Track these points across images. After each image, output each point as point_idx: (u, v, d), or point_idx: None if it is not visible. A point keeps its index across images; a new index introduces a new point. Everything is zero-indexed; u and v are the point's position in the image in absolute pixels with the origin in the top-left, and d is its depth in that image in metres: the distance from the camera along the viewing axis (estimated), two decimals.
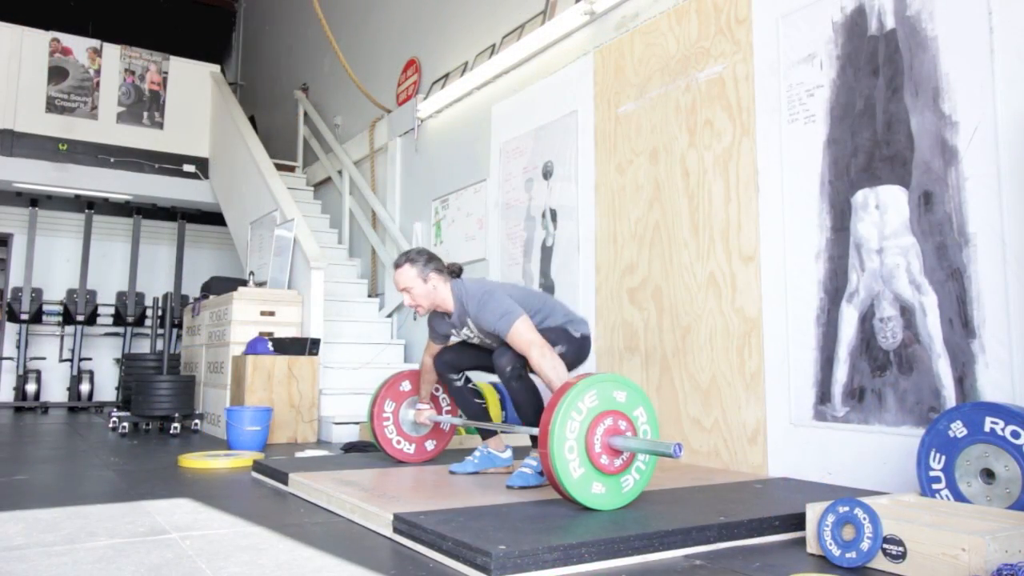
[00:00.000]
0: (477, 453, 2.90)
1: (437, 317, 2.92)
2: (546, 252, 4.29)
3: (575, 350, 2.76)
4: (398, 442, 3.17)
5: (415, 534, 1.92)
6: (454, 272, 2.81)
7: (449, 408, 3.25)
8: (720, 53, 3.29)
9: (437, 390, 3.21)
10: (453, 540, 1.77)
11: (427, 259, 2.75)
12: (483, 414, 2.96)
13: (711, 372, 3.19)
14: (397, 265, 2.77)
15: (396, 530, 2.01)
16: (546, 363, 2.46)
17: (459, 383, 2.94)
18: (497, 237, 4.77)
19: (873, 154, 2.68)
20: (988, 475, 2.08)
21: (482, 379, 3.68)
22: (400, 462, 3.17)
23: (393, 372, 3.37)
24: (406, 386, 3.20)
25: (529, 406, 2.66)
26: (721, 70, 3.28)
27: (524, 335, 2.53)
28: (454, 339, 2.94)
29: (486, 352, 2.87)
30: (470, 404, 2.95)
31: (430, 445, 3.25)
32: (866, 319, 2.66)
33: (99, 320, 7.88)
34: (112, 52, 7.65)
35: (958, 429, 2.13)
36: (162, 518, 2.26)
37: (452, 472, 2.86)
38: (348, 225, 6.94)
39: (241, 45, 11.40)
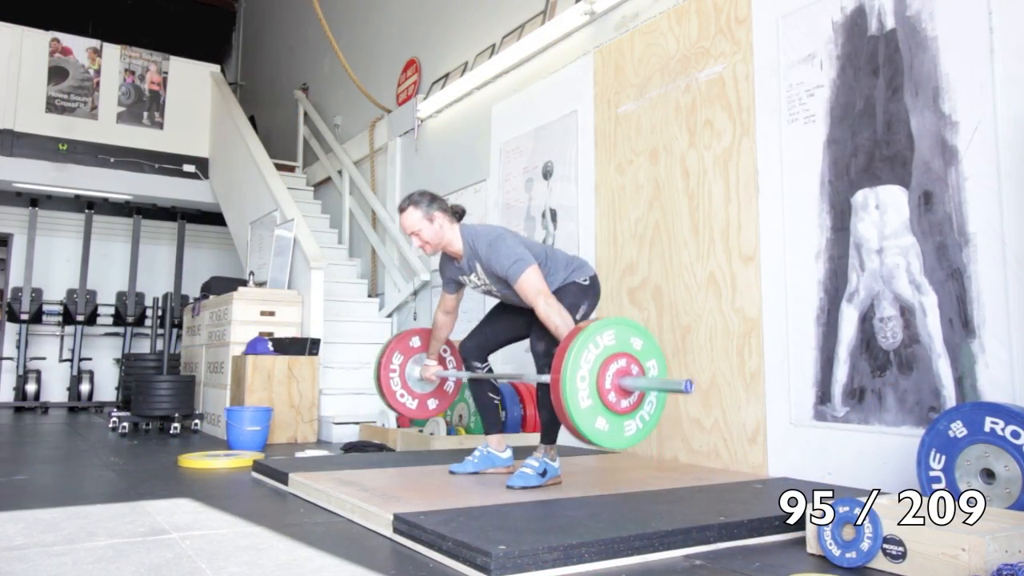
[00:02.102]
0: (477, 453, 2.90)
1: (447, 262, 2.91)
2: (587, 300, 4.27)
3: (591, 298, 2.77)
4: (401, 395, 3.15)
5: (415, 534, 1.92)
6: (458, 213, 2.82)
7: (451, 391, 3.25)
8: (720, 53, 3.29)
9: (445, 351, 3.21)
10: (453, 540, 1.77)
11: (430, 200, 2.75)
12: (494, 409, 2.95)
13: (711, 372, 3.19)
14: (401, 209, 2.78)
15: (396, 530, 2.01)
16: (553, 313, 2.50)
17: (481, 371, 2.93)
18: None
19: (873, 154, 2.68)
20: (988, 475, 2.08)
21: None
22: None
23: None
24: (415, 342, 3.19)
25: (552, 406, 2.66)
26: (721, 70, 3.28)
27: (534, 284, 2.56)
28: (465, 284, 2.89)
29: (511, 324, 2.87)
30: (484, 395, 2.93)
31: (432, 404, 3.22)
32: (866, 319, 2.66)
33: (99, 320, 7.88)
34: (112, 52, 7.65)
35: (958, 429, 2.13)
36: (162, 518, 2.26)
37: (452, 472, 2.86)
38: (348, 225, 6.95)
39: (241, 45, 11.40)
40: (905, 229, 2.56)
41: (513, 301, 2.77)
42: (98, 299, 7.90)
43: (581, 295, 2.74)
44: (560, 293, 2.68)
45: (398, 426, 4.44)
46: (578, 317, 2.68)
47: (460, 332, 3.31)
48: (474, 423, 4.09)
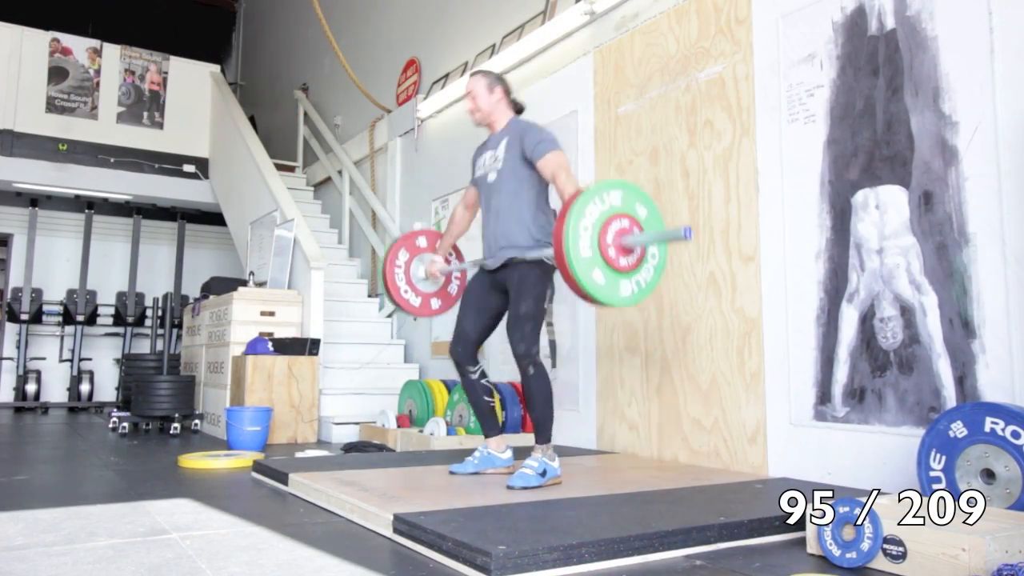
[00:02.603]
0: (477, 453, 2.90)
1: (479, 148, 3.02)
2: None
3: (552, 276, 2.82)
4: (405, 291, 3.16)
5: (415, 534, 1.92)
6: (517, 106, 2.97)
7: (459, 276, 3.27)
8: (720, 53, 3.29)
9: (451, 254, 3.24)
10: (453, 540, 1.77)
11: (498, 77, 2.95)
12: (490, 412, 2.95)
13: (711, 372, 3.19)
14: (472, 73, 2.96)
15: (396, 530, 2.01)
16: (570, 186, 2.62)
17: (474, 376, 2.94)
18: None
19: (873, 154, 2.68)
20: (988, 475, 2.08)
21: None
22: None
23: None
24: (422, 242, 3.21)
25: (540, 397, 2.69)
26: (721, 70, 3.28)
27: (559, 160, 2.71)
28: (478, 172, 2.97)
29: (484, 306, 2.91)
30: (480, 400, 2.94)
31: (435, 303, 3.24)
32: (866, 319, 2.66)
33: (99, 320, 7.88)
34: (112, 52, 7.65)
35: (958, 429, 2.13)
36: (162, 518, 2.26)
37: (452, 472, 2.86)
38: (348, 225, 6.95)
39: (241, 45, 11.41)
40: (905, 229, 2.56)
41: (499, 194, 2.81)
42: (98, 299, 7.90)
43: (550, 277, 2.78)
44: (529, 273, 2.72)
45: (398, 426, 4.44)
46: (545, 305, 2.75)
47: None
48: (474, 423, 4.09)
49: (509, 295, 2.78)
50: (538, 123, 2.90)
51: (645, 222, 2.43)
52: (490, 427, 2.93)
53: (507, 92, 2.94)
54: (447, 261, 3.21)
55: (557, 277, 2.69)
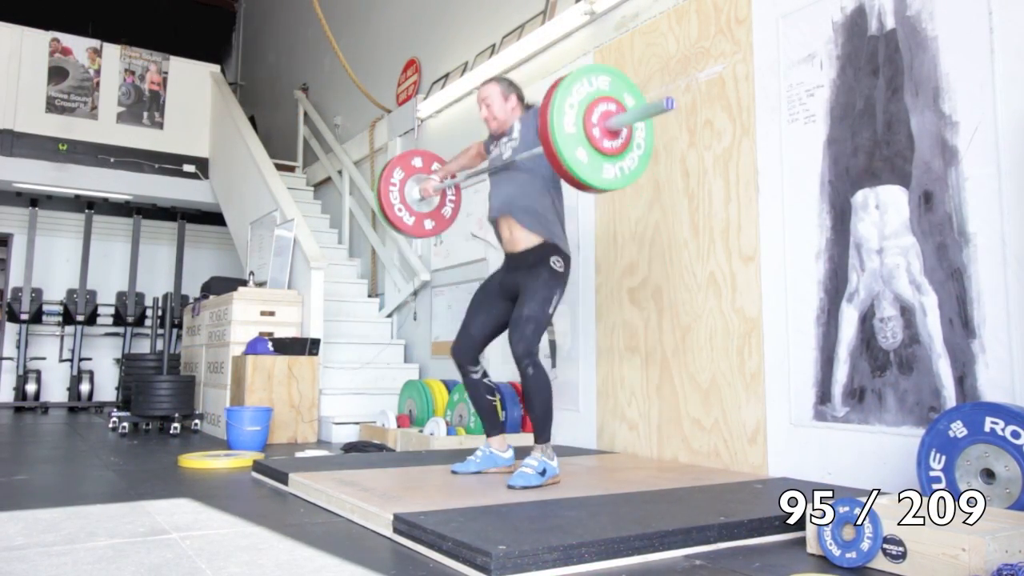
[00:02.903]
0: (479, 453, 2.90)
1: (490, 137, 3.04)
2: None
3: (563, 286, 2.83)
4: (399, 209, 3.15)
5: (415, 534, 1.92)
6: (530, 105, 2.98)
7: (454, 199, 3.27)
8: (720, 53, 3.29)
9: (452, 194, 3.26)
10: (453, 540, 1.77)
11: (511, 83, 2.95)
12: (492, 412, 2.95)
13: (711, 372, 3.19)
14: (486, 81, 2.97)
15: (396, 530, 2.01)
16: None
17: (476, 375, 2.94)
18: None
19: (873, 154, 2.68)
20: (988, 475, 2.08)
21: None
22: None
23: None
24: (417, 162, 3.20)
25: (539, 397, 2.68)
26: (721, 70, 3.28)
27: None
28: (492, 152, 2.98)
29: (492, 312, 2.91)
30: (482, 399, 2.94)
31: (428, 224, 3.23)
32: (866, 319, 2.66)
33: (99, 320, 7.88)
34: (112, 52, 7.65)
35: (958, 429, 2.13)
36: (162, 518, 2.26)
37: (454, 472, 2.86)
38: (348, 225, 6.95)
39: (241, 45, 11.41)
40: (905, 229, 2.56)
41: (509, 177, 2.82)
42: (98, 299, 7.90)
43: (558, 283, 2.77)
44: (538, 275, 2.72)
45: (398, 426, 4.44)
46: (550, 311, 2.73)
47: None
48: (474, 423, 4.09)
49: (519, 294, 2.78)
50: None
51: (630, 110, 2.41)
52: (492, 426, 2.93)
53: (520, 99, 2.95)
54: (442, 195, 3.22)
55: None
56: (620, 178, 2.38)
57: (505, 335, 2.85)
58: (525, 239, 2.79)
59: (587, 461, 3.30)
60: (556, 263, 2.75)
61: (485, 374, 2.96)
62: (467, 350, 2.93)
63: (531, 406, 2.71)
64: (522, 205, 2.78)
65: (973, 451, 2.10)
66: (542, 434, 2.69)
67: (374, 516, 2.13)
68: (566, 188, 2.73)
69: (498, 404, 2.99)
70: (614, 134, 2.35)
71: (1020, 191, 2.28)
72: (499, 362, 4.51)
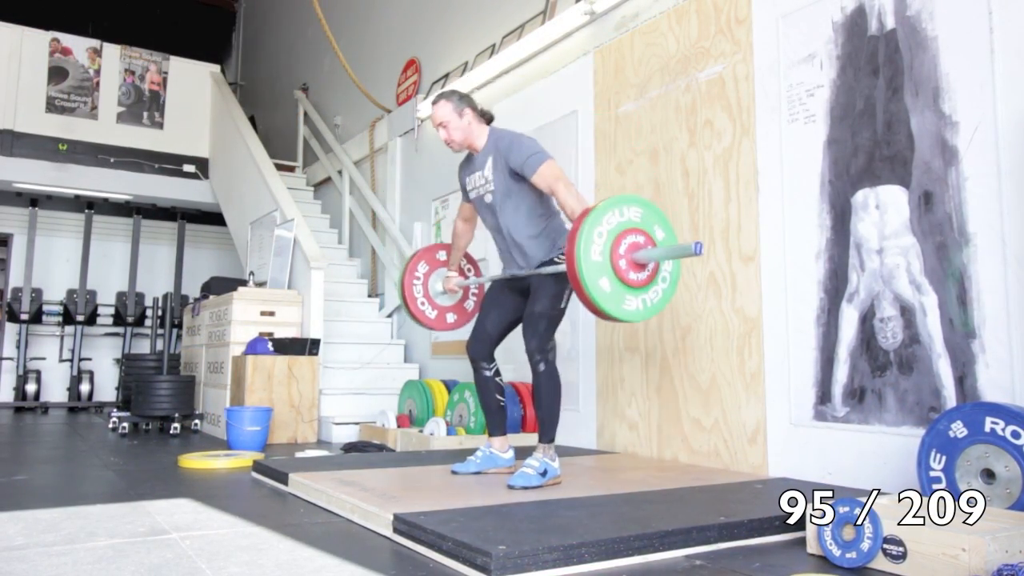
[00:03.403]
0: (480, 453, 2.90)
1: (464, 165, 2.97)
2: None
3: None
4: (422, 303, 3.16)
5: (415, 534, 1.92)
6: (487, 116, 2.89)
7: (476, 292, 3.28)
8: (720, 53, 3.29)
9: (469, 270, 3.24)
10: (453, 540, 1.77)
11: (461, 96, 2.84)
12: (499, 411, 2.95)
13: (711, 372, 3.19)
14: (434, 102, 2.86)
15: (396, 530, 2.01)
16: (571, 197, 2.58)
17: (488, 373, 2.94)
18: None
19: (873, 154, 2.68)
20: (988, 475, 2.08)
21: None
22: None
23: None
24: (442, 255, 3.22)
25: (548, 395, 2.70)
26: (721, 70, 3.28)
27: (553, 171, 2.65)
28: (472, 193, 2.92)
29: (507, 308, 2.91)
30: (490, 397, 2.95)
31: (451, 317, 3.24)
32: (866, 319, 2.66)
33: (99, 320, 7.88)
34: (112, 52, 7.65)
35: (958, 429, 2.13)
36: (162, 518, 2.26)
37: (454, 472, 2.86)
38: (348, 225, 6.95)
39: (241, 45, 11.41)
40: (905, 229, 2.56)
41: (501, 214, 2.79)
42: (98, 299, 7.90)
43: (565, 279, 2.77)
44: (548, 275, 2.73)
45: (398, 426, 4.44)
46: (561, 306, 2.74)
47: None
48: (474, 423, 4.09)
49: (530, 291, 2.80)
50: (514, 130, 2.85)
51: (661, 244, 2.40)
52: (496, 426, 2.93)
53: (474, 109, 2.84)
54: (462, 274, 3.21)
55: None
56: (642, 311, 2.36)
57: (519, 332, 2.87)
58: (532, 260, 2.80)
59: (587, 461, 3.30)
60: (562, 259, 2.76)
61: (497, 372, 2.97)
62: (482, 346, 2.93)
63: (539, 403, 2.72)
64: (540, 257, 2.77)
65: (973, 451, 2.10)
66: (547, 433, 2.69)
67: (374, 516, 2.13)
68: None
69: (505, 408, 2.99)
70: (640, 267, 2.34)
71: (1020, 191, 2.28)
72: (502, 361, 4.50)
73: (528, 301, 2.78)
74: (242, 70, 11.22)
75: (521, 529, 1.88)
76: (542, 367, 2.68)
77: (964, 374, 2.37)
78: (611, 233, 2.30)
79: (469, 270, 3.24)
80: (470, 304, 3.26)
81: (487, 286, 3.03)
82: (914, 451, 2.28)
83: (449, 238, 5.30)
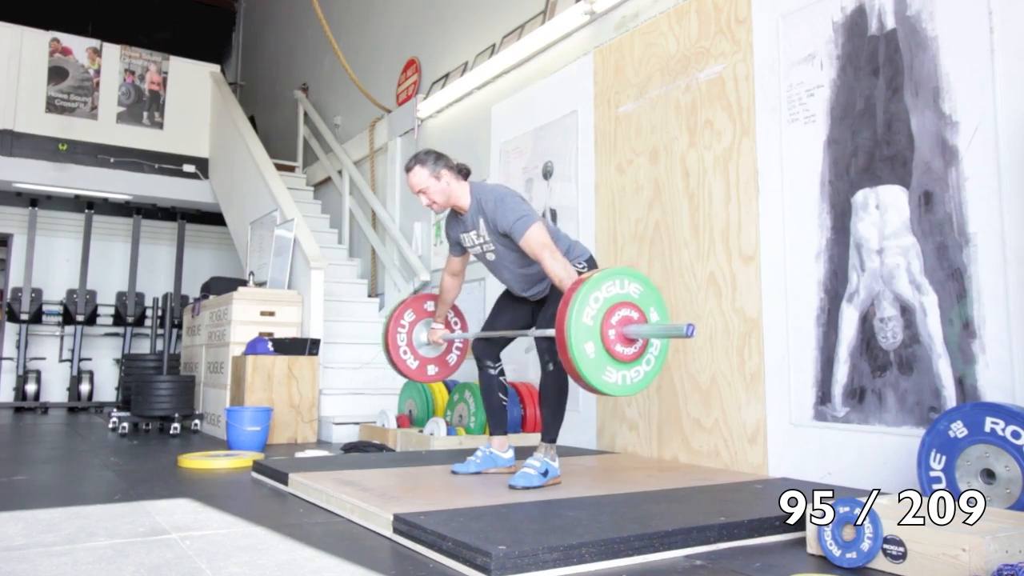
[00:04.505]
0: (479, 453, 2.90)
1: (451, 222, 2.95)
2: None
3: None
4: (404, 352, 3.14)
5: (415, 534, 1.92)
6: (463, 171, 2.86)
7: (460, 347, 3.27)
8: (720, 53, 3.29)
9: (456, 323, 3.23)
10: (453, 540, 1.77)
11: (436, 158, 2.80)
12: (500, 410, 2.95)
13: (711, 372, 3.19)
14: (408, 168, 2.83)
15: (396, 530, 2.01)
16: (558, 266, 2.54)
17: (493, 372, 2.95)
18: None
19: (873, 154, 2.68)
20: (988, 475, 2.08)
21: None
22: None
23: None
24: (430, 306, 3.20)
25: (555, 394, 2.71)
26: (721, 70, 3.28)
27: (538, 238, 2.61)
28: (472, 251, 2.91)
29: (517, 316, 2.93)
30: (493, 396, 2.95)
31: (431, 369, 3.22)
32: (866, 319, 2.66)
33: (99, 320, 7.88)
34: (112, 52, 7.65)
35: (958, 429, 2.13)
36: (162, 518, 2.26)
37: (454, 472, 2.86)
38: (348, 225, 6.95)
39: (241, 45, 11.41)
40: (905, 229, 2.56)
41: (507, 268, 2.81)
42: (98, 299, 7.90)
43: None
44: None
45: (398, 426, 4.44)
46: None
47: (465, 303, 3.31)
48: (474, 423, 4.09)
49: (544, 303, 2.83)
50: (492, 185, 2.83)
51: (641, 301, 2.36)
52: (497, 425, 2.94)
53: (451, 168, 2.79)
54: (448, 327, 3.19)
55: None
56: (620, 386, 2.32)
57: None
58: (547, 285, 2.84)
59: (587, 461, 3.30)
60: (580, 263, 2.79)
61: (502, 372, 2.97)
62: (490, 347, 2.94)
63: (546, 402, 2.72)
64: (537, 271, 2.78)
65: (973, 451, 2.10)
66: (549, 433, 2.70)
67: (374, 516, 2.13)
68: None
69: (507, 408, 2.99)
70: (629, 342, 2.31)
71: (1020, 191, 2.28)
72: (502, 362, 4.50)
73: (544, 305, 2.81)
74: (242, 70, 11.22)
75: (521, 529, 1.88)
76: (551, 367, 2.68)
77: (964, 374, 2.37)
78: (607, 301, 2.27)
79: (455, 323, 3.21)
80: (452, 358, 3.25)
81: (472, 342, 3.02)
82: (914, 451, 2.28)
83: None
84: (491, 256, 2.82)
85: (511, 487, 2.52)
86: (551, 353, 2.66)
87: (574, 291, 2.25)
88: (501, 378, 2.96)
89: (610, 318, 2.27)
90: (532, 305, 2.92)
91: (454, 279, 3.08)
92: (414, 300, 3.19)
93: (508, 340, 2.98)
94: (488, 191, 2.77)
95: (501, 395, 2.95)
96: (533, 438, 3.80)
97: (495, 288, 3.89)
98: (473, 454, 2.93)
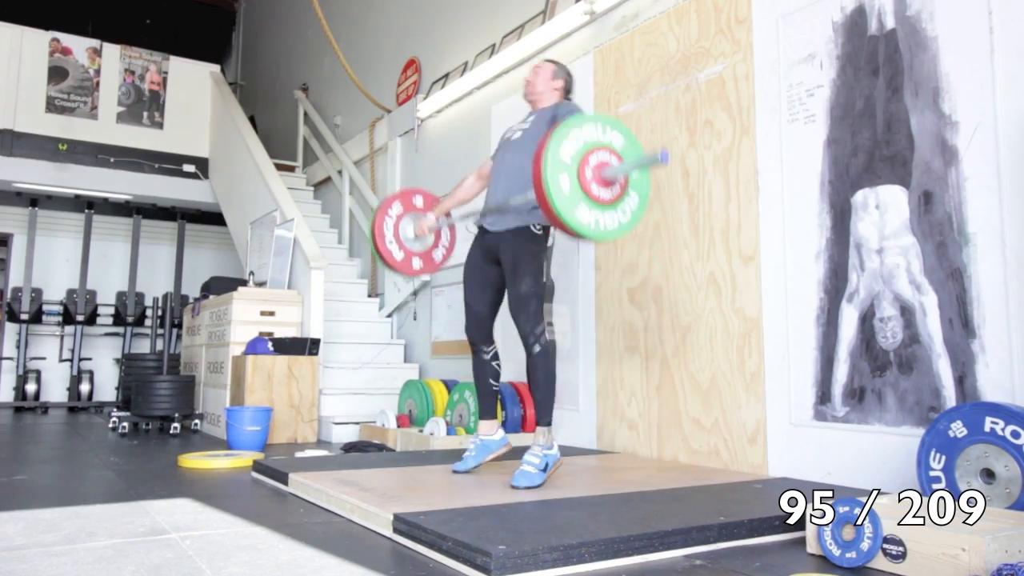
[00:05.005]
0: (471, 445, 2.92)
1: (511, 125, 3.05)
2: (547, 252, 4.28)
3: (548, 250, 2.90)
4: (391, 242, 3.14)
5: (415, 534, 1.92)
6: (567, 95, 3.01)
7: (447, 245, 3.28)
8: (720, 53, 3.29)
9: (446, 239, 3.25)
10: (453, 540, 1.77)
11: (568, 73, 3.01)
12: (491, 395, 2.96)
13: (711, 372, 3.19)
14: (548, 60, 3.00)
15: (396, 530, 2.01)
16: None
17: (487, 356, 2.95)
18: None
19: (873, 154, 2.68)
20: (988, 475, 2.08)
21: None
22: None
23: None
24: (419, 201, 3.20)
25: (543, 376, 2.71)
26: (721, 70, 3.28)
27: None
28: (504, 136, 2.97)
29: (486, 284, 2.93)
30: (485, 381, 2.96)
31: (416, 263, 3.23)
32: (866, 319, 2.66)
33: (99, 320, 7.88)
34: (112, 52, 7.65)
35: (958, 429, 2.13)
36: (162, 518, 2.26)
37: (455, 471, 2.87)
38: (348, 225, 6.95)
39: (241, 45, 11.40)
40: (905, 229, 2.56)
41: (522, 152, 2.79)
42: (98, 299, 7.90)
43: (542, 249, 2.79)
44: (522, 250, 2.74)
45: (398, 426, 4.44)
46: (544, 280, 2.75)
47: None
48: (474, 423, 4.09)
49: (503, 267, 2.80)
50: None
51: (623, 151, 2.43)
52: (486, 409, 2.96)
53: (567, 89, 2.98)
54: (438, 237, 3.22)
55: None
56: (592, 228, 2.34)
57: (499, 328, 2.87)
58: (508, 223, 2.80)
59: (587, 461, 3.30)
60: (536, 228, 2.78)
61: (495, 357, 2.98)
62: (478, 327, 2.94)
63: (535, 385, 2.73)
64: (518, 188, 2.76)
65: (973, 451, 2.10)
66: (545, 416, 2.72)
67: (374, 516, 2.13)
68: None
69: (498, 393, 3.00)
70: (605, 184, 2.35)
71: (1020, 191, 2.28)
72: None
73: (508, 283, 2.78)
74: (242, 70, 11.22)
75: (521, 529, 1.88)
76: (536, 348, 2.70)
77: (964, 374, 2.37)
78: (588, 144, 2.33)
79: (446, 236, 3.23)
80: (439, 254, 3.26)
81: (459, 228, 3.02)
82: (914, 451, 2.28)
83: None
84: (517, 135, 2.86)
85: (513, 487, 2.52)
86: (535, 335, 2.68)
87: (559, 127, 2.30)
88: (494, 363, 2.97)
89: (588, 159, 2.32)
90: (496, 270, 2.89)
91: (477, 182, 3.14)
92: (402, 193, 3.21)
93: (494, 314, 2.97)
94: (573, 105, 2.88)
95: (492, 380, 2.96)
96: (532, 438, 3.79)
97: None
98: (467, 451, 2.94)
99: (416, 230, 3.15)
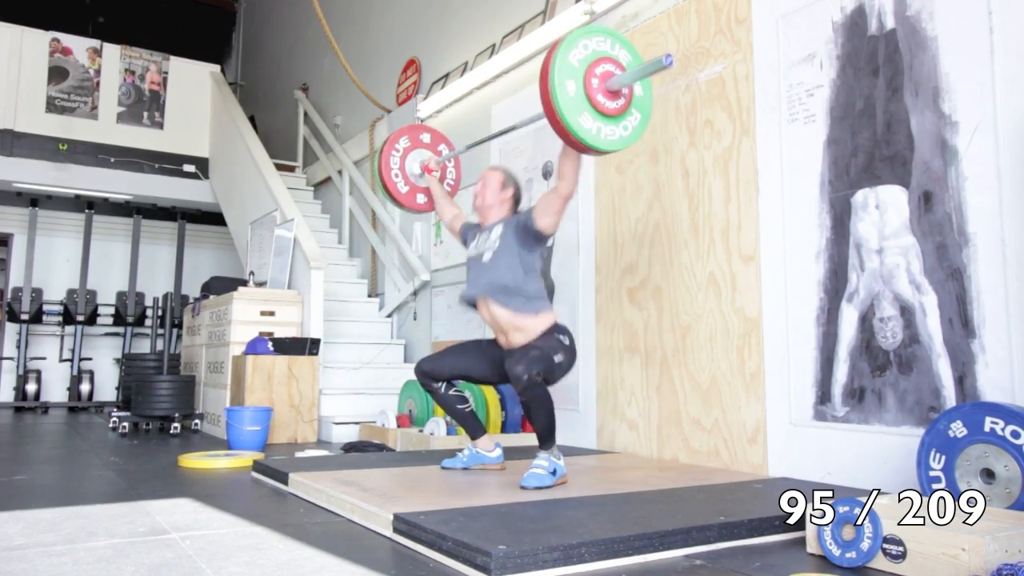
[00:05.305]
0: (465, 451, 2.92)
1: (470, 229, 3.06)
2: (546, 252, 4.28)
3: (571, 358, 2.75)
4: (396, 175, 3.18)
5: (415, 534, 1.92)
6: (516, 204, 3.00)
7: (452, 183, 3.36)
8: (720, 53, 3.29)
9: (451, 178, 3.33)
10: (453, 540, 1.77)
11: (516, 179, 3.00)
12: (470, 418, 2.94)
13: (711, 372, 3.19)
14: (492, 168, 3.03)
15: (396, 530, 2.01)
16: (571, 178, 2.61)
17: (442, 390, 2.93)
18: None
19: (873, 154, 2.68)
20: (988, 475, 2.08)
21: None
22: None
23: None
24: (426, 137, 3.24)
25: (543, 417, 2.61)
26: (721, 70, 3.28)
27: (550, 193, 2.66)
28: (472, 252, 2.95)
29: (472, 364, 2.91)
30: (455, 409, 2.94)
31: (420, 198, 3.27)
32: (866, 319, 2.66)
33: (99, 320, 7.88)
34: (112, 52, 7.65)
35: (958, 429, 2.13)
36: (162, 518, 2.26)
37: (444, 467, 2.88)
38: (348, 225, 6.95)
39: (241, 45, 11.40)
40: (905, 229, 2.56)
41: (498, 266, 2.75)
42: (98, 299, 7.89)
43: (562, 349, 2.69)
44: (545, 336, 2.69)
45: (398, 426, 4.44)
46: (556, 360, 2.65)
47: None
48: None
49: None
50: None
51: (629, 66, 2.48)
52: (473, 430, 2.95)
53: (516, 197, 2.95)
54: (444, 174, 3.30)
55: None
56: (594, 136, 2.36)
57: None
58: (517, 327, 2.72)
59: (587, 461, 3.30)
60: (563, 339, 2.72)
61: (451, 385, 2.96)
62: (430, 372, 2.91)
63: (535, 421, 2.62)
64: (507, 280, 2.72)
65: (973, 451, 2.10)
66: (547, 441, 2.63)
67: (374, 516, 2.13)
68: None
69: (474, 408, 2.99)
70: (611, 95, 2.40)
71: (1020, 191, 2.28)
72: None
73: (510, 357, 2.64)
74: (242, 70, 11.22)
75: (521, 529, 1.88)
76: (525, 378, 2.50)
77: (964, 374, 2.37)
78: (597, 52, 2.38)
79: (452, 174, 3.32)
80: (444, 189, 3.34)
81: (463, 159, 3.06)
82: (914, 451, 2.28)
83: (448, 241, 5.30)
84: (487, 256, 2.80)
85: (522, 487, 2.51)
86: (528, 374, 2.50)
87: (568, 34, 2.35)
88: (452, 392, 2.94)
89: (595, 67, 2.36)
90: (493, 369, 2.85)
91: (456, 220, 3.19)
92: (410, 128, 3.24)
93: (452, 377, 2.92)
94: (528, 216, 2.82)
95: (461, 405, 2.94)
96: (533, 438, 3.79)
97: None
98: (460, 452, 2.94)
99: (422, 165, 3.20)
